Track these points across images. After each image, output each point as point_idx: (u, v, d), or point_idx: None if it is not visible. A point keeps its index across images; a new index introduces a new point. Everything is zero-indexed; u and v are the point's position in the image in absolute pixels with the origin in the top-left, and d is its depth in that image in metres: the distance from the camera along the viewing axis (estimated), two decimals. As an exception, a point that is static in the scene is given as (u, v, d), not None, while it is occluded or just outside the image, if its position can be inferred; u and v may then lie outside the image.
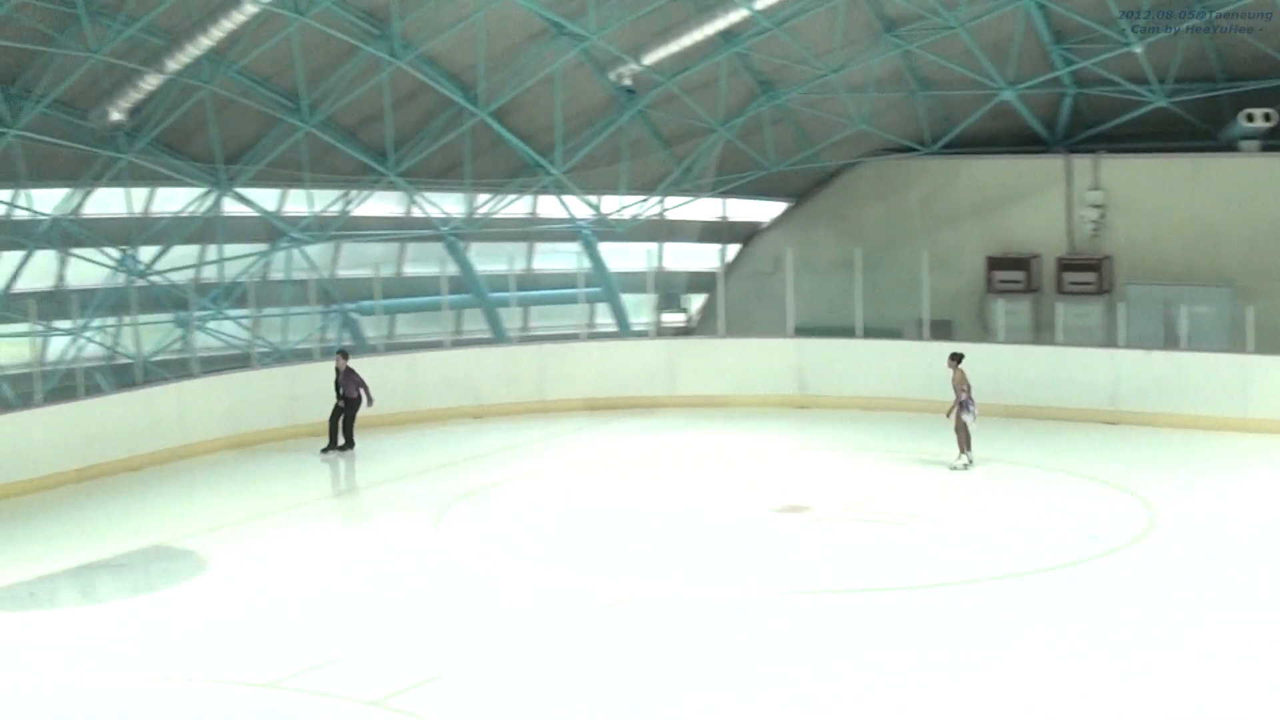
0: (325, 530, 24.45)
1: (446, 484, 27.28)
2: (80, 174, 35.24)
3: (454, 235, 40.11)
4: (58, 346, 35.84)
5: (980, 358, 29.37)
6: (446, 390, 33.19)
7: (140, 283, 36.17)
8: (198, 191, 36.64)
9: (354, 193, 38.16)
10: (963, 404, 27.08)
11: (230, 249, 37.64)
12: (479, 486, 27.16)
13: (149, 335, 35.60)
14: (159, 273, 36.93)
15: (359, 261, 40.40)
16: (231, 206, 37.11)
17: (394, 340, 40.38)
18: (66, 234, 36.04)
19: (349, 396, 30.19)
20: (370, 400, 30.25)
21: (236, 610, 20.44)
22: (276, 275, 39.08)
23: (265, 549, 23.52)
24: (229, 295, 37.02)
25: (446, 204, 39.73)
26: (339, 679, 17.24)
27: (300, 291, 36.67)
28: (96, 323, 36.36)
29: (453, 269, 39.85)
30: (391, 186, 38.27)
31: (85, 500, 26.80)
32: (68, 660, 18.52)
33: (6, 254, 36.29)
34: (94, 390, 31.77)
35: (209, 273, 38.11)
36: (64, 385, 31.39)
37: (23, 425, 27.96)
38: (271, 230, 38.21)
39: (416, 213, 39.63)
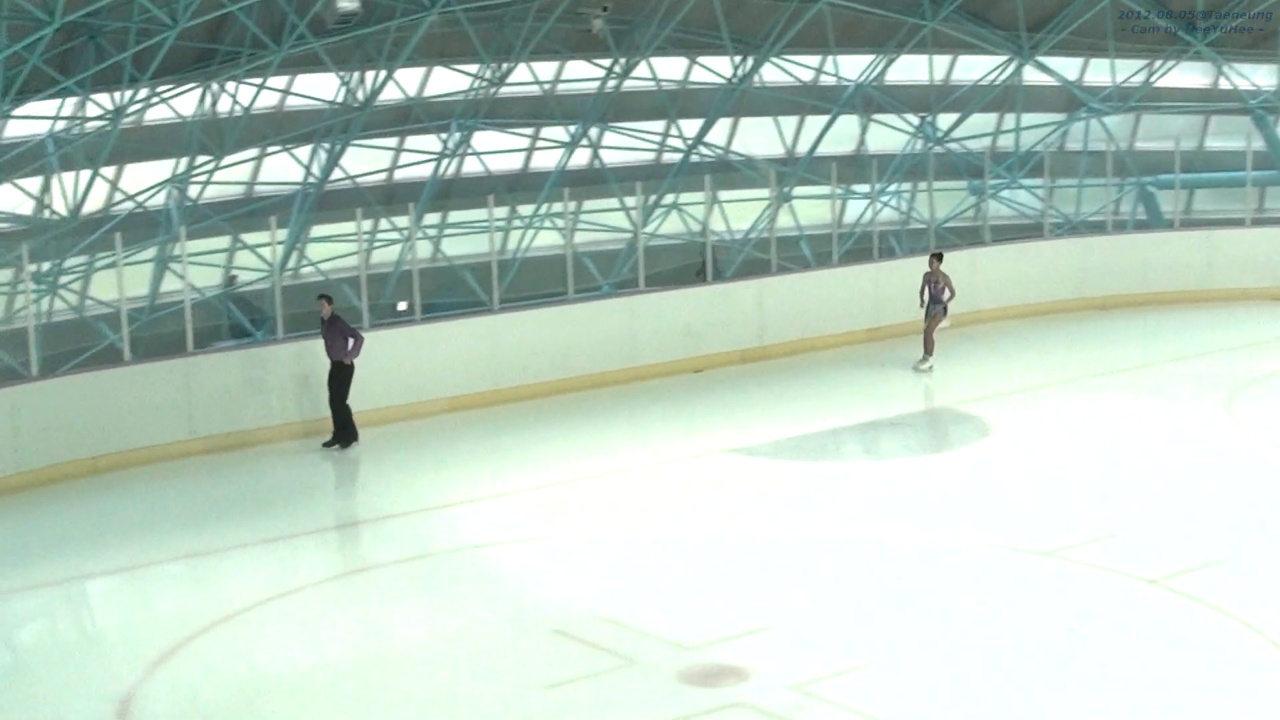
0: (1112, 403, 24.04)
1: (1241, 366, 26.27)
2: (885, 41, 35.90)
3: (1262, 109, 38.41)
4: (855, 209, 36.88)
5: None
6: (1245, 270, 31.90)
7: (937, 149, 36.70)
8: (998, 60, 36.66)
9: (1158, 63, 37.16)
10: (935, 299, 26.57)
11: (1028, 118, 37.54)
12: (1275, 371, 26.01)
13: (943, 201, 36.04)
14: (956, 140, 37.32)
15: (1159, 133, 39.52)
16: (1031, 75, 36.96)
17: (1191, 216, 39.23)
18: (869, 100, 36.93)
19: (338, 360, 22.26)
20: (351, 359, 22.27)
21: (1019, 476, 20.49)
22: (1074, 145, 38.73)
23: (1050, 418, 23.43)
24: (1024, 164, 36.92)
25: (1256, 76, 38.11)
26: (1119, 554, 16.95)
27: (1097, 163, 36.07)
28: (893, 188, 37.18)
29: (1259, 144, 38.15)
30: (1198, 57, 37.02)
31: (874, 358, 27.52)
32: (851, 512, 19.14)
33: (812, 118, 37.65)
34: (887, 253, 32.46)
35: (1005, 141, 38.23)
36: (859, 247, 32.22)
37: (820, 283, 29.11)
38: (1070, 100, 37.83)
39: (1224, 84, 38.22)
